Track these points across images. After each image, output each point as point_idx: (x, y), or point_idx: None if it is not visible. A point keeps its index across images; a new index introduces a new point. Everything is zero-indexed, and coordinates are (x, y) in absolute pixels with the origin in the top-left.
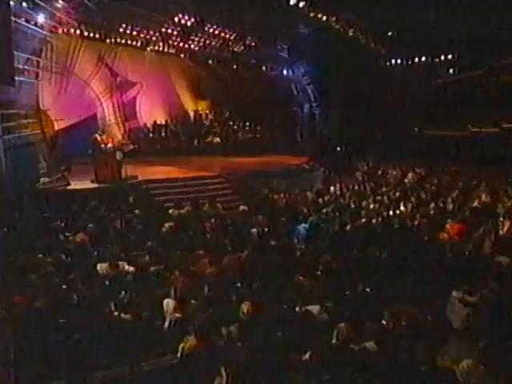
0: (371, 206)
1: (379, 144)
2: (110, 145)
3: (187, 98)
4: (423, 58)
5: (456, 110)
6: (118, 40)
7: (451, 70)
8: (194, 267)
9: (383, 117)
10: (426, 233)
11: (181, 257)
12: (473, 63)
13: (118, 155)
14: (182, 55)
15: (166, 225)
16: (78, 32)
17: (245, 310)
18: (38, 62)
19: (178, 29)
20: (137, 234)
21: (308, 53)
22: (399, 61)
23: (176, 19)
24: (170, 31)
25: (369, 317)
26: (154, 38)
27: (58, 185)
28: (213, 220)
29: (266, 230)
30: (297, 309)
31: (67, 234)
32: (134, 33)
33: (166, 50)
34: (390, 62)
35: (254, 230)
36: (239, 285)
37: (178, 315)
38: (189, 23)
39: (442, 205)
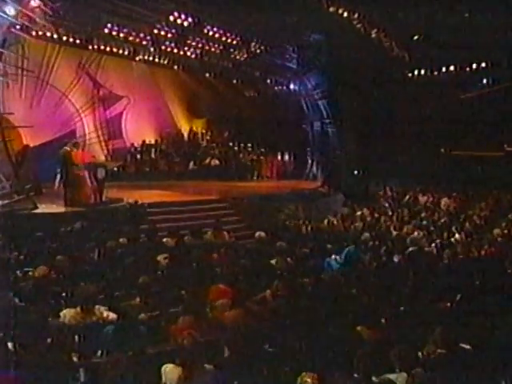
0: (415, 233)
1: (402, 166)
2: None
3: (180, 115)
4: (451, 67)
5: (489, 128)
6: (102, 47)
7: (484, 81)
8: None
9: (406, 136)
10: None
11: (185, 297)
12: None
13: (100, 172)
14: (176, 67)
15: (161, 257)
16: (55, 36)
17: None
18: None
19: (173, 30)
20: (121, 269)
21: (320, 62)
22: (423, 71)
23: (171, 18)
24: (163, 33)
25: None
26: (144, 43)
27: (20, 208)
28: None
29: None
30: (373, 379)
31: (27, 268)
32: (121, 35)
33: (157, 59)
34: (413, 72)
35: (278, 261)
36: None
37: None
38: (185, 23)
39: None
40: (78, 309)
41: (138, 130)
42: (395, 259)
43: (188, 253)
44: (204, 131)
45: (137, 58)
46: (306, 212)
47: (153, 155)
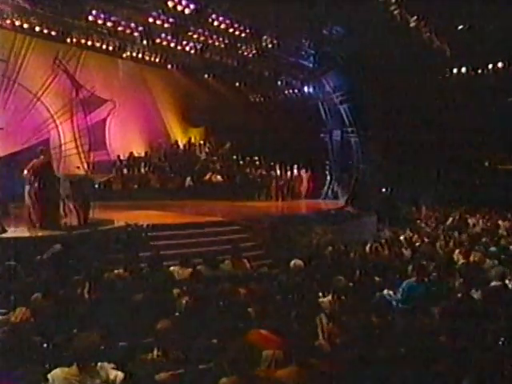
0: (488, 261)
1: (438, 183)
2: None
3: (175, 122)
4: (499, 64)
5: None
6: (83, 40)
7: None
8: (259, 370)
9: (443, 147)
10: None
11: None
12: None
13: (87, 186)
14: (170, 65)
15: (183, 300)
16: (25, 26)
17: None
18: None
19: (171, 20)
20: (127, 310)
21: (343, 59)
22: (464, 68)
23: (170, 4)
24: (159, 22)
25: None
26: (135, 35)
27: None
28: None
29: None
30: None
31: None
32: (108, 25)
33: (148, 56)
34: (452, 70)
35: (326, 299)
36: None
37: None
38: (186, 11)
39: None
40: (74, 367)
41: (125, 140)
42: (475, 295)
43: (207, 287)
44: (202, 142)
45: (124, 55)
46: (338, 236)
47: (142, 170)
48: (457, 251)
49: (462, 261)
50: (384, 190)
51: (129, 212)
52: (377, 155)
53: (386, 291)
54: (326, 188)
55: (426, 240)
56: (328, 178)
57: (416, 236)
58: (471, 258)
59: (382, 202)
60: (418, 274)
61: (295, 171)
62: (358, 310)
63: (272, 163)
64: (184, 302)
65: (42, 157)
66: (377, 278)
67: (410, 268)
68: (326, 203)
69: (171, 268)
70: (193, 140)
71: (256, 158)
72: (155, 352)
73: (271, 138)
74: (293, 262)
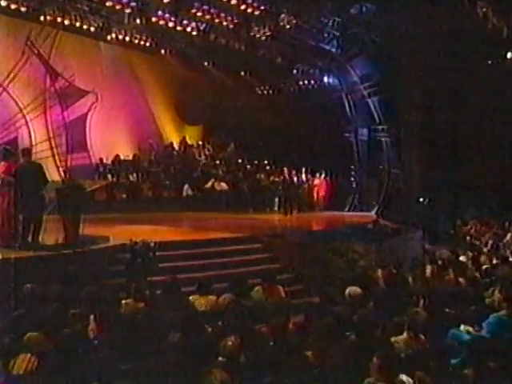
0: None
1: (487, 192)
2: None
3: (168, 119)
4: None
5: None
6: (59, 19)
7: None
8: None
9: (492, 148)
10: None
11: None
12: None
13: (77, 195)
14: (163, 50)
15: (229, 342)
16: None
17: None
18: None
19: None
20: (147, 356)
21: (374, 43)
22: None
23: None
24: None
25: None
26: (127, 11)
27: None
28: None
29: None
30: None
31: None
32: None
33: (137, 39)
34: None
35: (402, 338)
36: None
37: None
38: None
39: None
40: None
41: (109, 140)
42: None
43: (243, 321)
44: (201, 142)
45: (108, 37)
46: (381, 255)
47: (131, 176)
48: None
49: None
50: (421, 199)
51: (118, 227)
52: (412, 158)
53: (462, 327)
54: (351, 197)
55: (495, 261)
56: (354, 184)
57: (484, 257)
58: None
59: (419, 213)
60: (509, 306)
61: (314, 177)
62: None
63: (285, 168)
64: (230, 343)
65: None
66: (447, 310)
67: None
68: (355, 215)
69: (190, 297)
70: (190, 140)
71: (265, 161)
72: None
73: (284, 137)
74: (348, 290)
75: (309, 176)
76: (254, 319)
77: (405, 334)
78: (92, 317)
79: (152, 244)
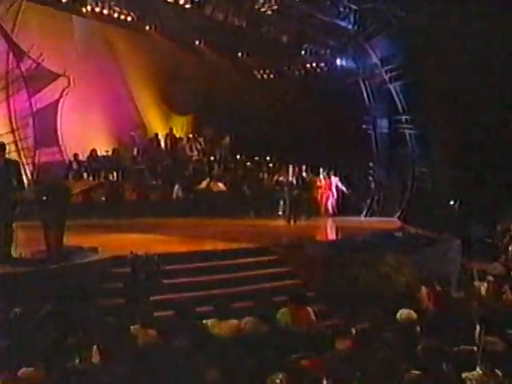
0: None
1: None
2: None
3: (153, 108)
4: None
5: None
6: None
7: None
8: None
9: None
10: None
11: None
12: None
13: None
14: (148, 26)
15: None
16: None
17: None
18: None
19: None
20: None
21: (397, 20)
22: None
23: None
24: None
25: None
26: None
27: None
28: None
29: None
30: None
31: None
32: None
33: (117, 13)
34: None
35: (475, 374)
36: None
37: None
38: None
39: None
40: None
41: (84, 133)
42: None
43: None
44: (192, 135)
45: (83, 9)
46: (418, 269)
47: (110, 175)
48: None
49: None
50: (452, 202)
51: (103, 236)
52: (441, 154)
53: None
54: (369, 199)
55: None
56: (373, 184)
57: None
58: None
59: (448, 219)
60: None
61: (325, 177)
62: None
63: (291, 166)
64: (278, 381)
65: None
66: None
67: None
68: (377, 221)
69: (208, 322)
70: (178, 132)
71: (268, 158)
72: None
73: (290, 130)
74: (400, 313)
75: (320, 175)
76: (290, 349)
77: (478, 369)
78: (95, 347)
79: (156, 257)
